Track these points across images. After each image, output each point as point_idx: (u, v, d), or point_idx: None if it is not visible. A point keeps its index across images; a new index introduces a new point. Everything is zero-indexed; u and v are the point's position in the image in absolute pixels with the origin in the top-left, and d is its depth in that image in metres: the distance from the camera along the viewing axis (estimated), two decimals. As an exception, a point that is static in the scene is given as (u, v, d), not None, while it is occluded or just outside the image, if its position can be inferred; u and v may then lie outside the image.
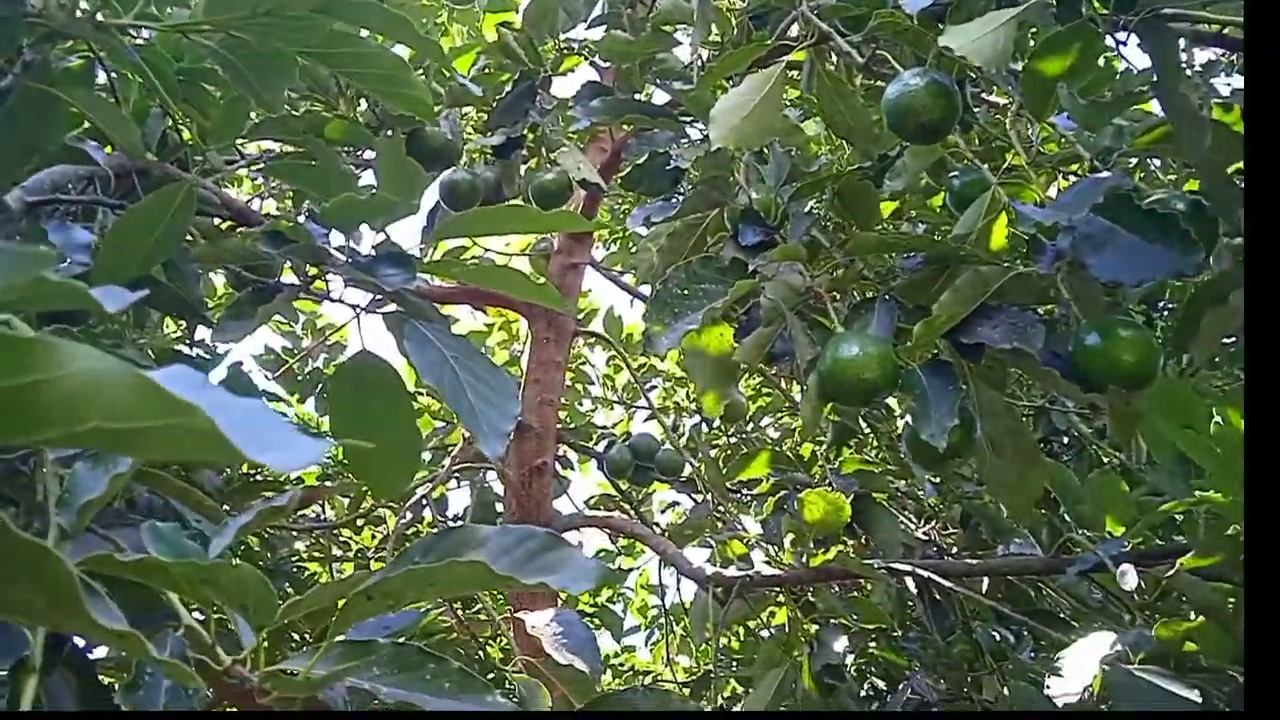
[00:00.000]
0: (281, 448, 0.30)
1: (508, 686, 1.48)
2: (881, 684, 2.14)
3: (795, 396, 2.67)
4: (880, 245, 1.22)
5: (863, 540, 1.89)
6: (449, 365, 1.01)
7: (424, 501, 2.12)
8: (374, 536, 2.76)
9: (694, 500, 2.59)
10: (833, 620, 1.73)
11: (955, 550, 2.06)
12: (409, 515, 2.26)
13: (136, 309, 1.35)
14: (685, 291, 1.18)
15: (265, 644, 0.64)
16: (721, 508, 2.09)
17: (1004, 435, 1.11)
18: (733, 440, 2.64)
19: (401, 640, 0.71)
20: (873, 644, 2.00)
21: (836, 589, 1.87)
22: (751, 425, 2.69)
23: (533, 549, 0.65)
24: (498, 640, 2.35)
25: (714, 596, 1.80)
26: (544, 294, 1.19)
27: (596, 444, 2.58)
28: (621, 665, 3.76)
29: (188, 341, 1.73)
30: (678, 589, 2.35)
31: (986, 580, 1.81)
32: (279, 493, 1.10)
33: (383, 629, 1.22)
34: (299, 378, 2.60)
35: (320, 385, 2.59)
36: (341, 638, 0.68)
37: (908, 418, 1.15)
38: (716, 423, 2.51)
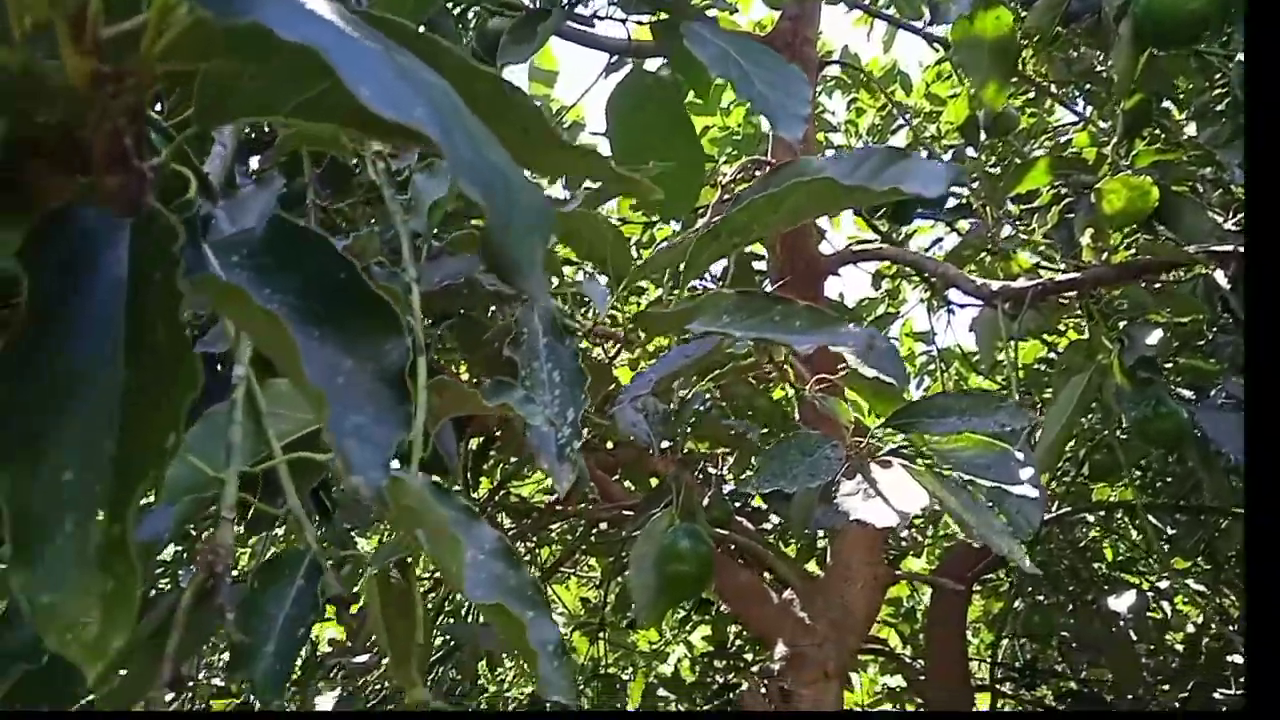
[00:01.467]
0: (384, 86, 0.26)
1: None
2: (1189, 393, 2.02)
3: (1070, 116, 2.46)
4: None
5: (1163, 240, 1.75)
6: (732, 58, 0.97)
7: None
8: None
9: (960, 235, 2.48)
10: (1141, 318, 1.62)
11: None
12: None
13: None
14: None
15: (625, 293, 0.67)
16: (1000, 222, 1.97)
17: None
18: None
19: (748, 291, 0.72)
20: (1177, 356, 1.88)
21: (1144, 285, 1.75)
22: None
23: (876, 164, 0.63)
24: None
25: (1003, 312, 1.74)
26: None
27: (851, 187, 2.49)
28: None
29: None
30: (948, 325, 2.29)
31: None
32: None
33: (682, 358, 1.26)
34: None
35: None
36: (692, 288, 0.70)
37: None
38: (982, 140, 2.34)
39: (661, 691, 3.07)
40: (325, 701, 1.90)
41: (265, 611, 0.55)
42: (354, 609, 0.61)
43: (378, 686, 2.14)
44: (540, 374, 0.68)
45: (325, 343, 0.42)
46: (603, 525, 2.73)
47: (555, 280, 0.74)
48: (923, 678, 2.47)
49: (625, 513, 2.17)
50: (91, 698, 0.56)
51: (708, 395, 1.51)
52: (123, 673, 0.56)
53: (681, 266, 0.68)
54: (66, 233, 0.35)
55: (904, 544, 2.59)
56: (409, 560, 0.66)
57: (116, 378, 0.32)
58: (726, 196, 1.64)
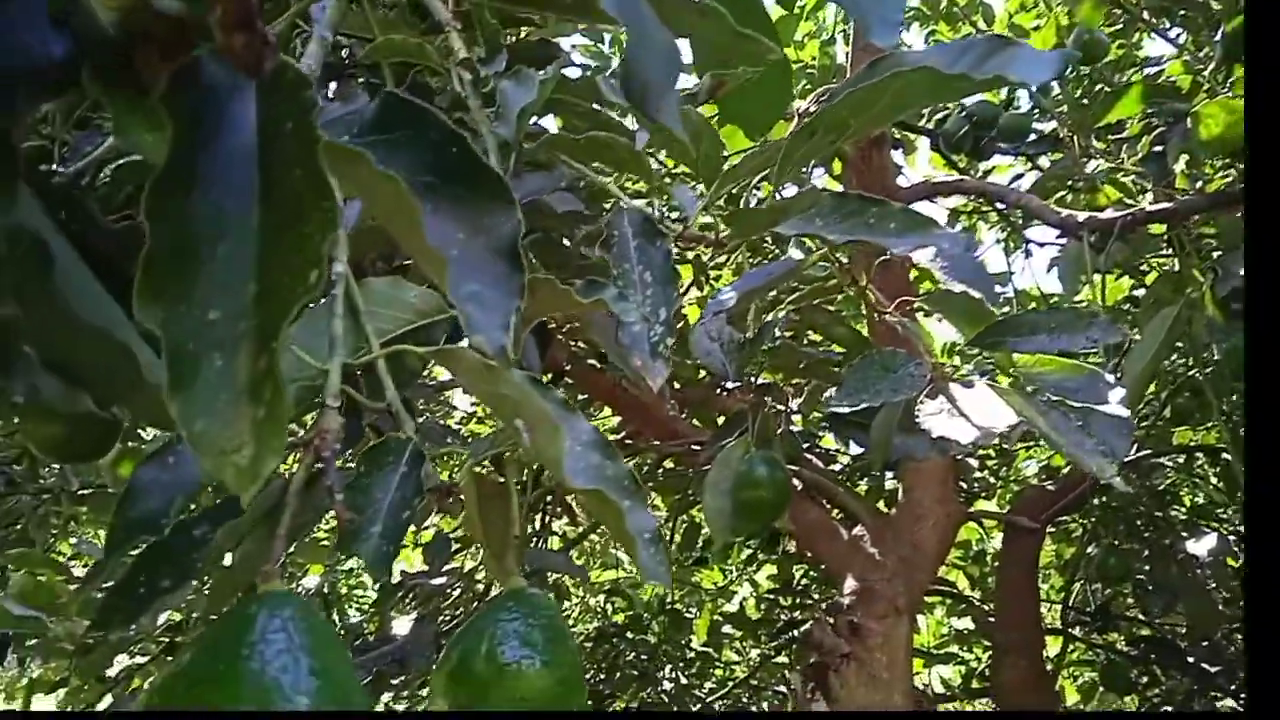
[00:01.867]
0: None
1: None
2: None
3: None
4: None
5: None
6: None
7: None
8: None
9: (1041, 168, 2.42)
10: (1235, 248, 1.57)
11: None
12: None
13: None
14: None
15: (718, 200, 0.67)
16: (1088, 153, 1.91)
17: None
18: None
19: (842, 192, 0.71)
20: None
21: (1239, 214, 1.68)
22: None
23: (980, 52, 0.61)
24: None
25: (1089, 244, 1.69)
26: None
27: (927, 121, 2.44)
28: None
29: None
30: (1024, 268, 2.23)
31: None
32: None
33: (763, 277, 1.24)
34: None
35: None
36: (787, 187, 0.69)
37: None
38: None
39: (727, 628, 3.11)
40: (402, 624, 1.96)
41: (371, 495, 0.57)
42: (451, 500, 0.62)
43: (454, 611, 2.20)
44: (631, 275, 0.68)
45: (439, 214, 0.42)
46: (668, 464, 2.75)
47: (644, 185, 0.73)
48: (991, 620, 2.45)
49: (694, 448, 2.18)
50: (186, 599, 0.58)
51: (785, 320, 1.50)
52: (230, 559, 0.58)
53: (774, 168, 0.67)
54: (196, 89, 0.36)
55: (975, 486, 2.56)
56: (505, 455, 0.67)
57: (251, 223, 0.33)
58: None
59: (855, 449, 2.70)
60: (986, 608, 2.57)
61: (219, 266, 0.32)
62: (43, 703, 2.63)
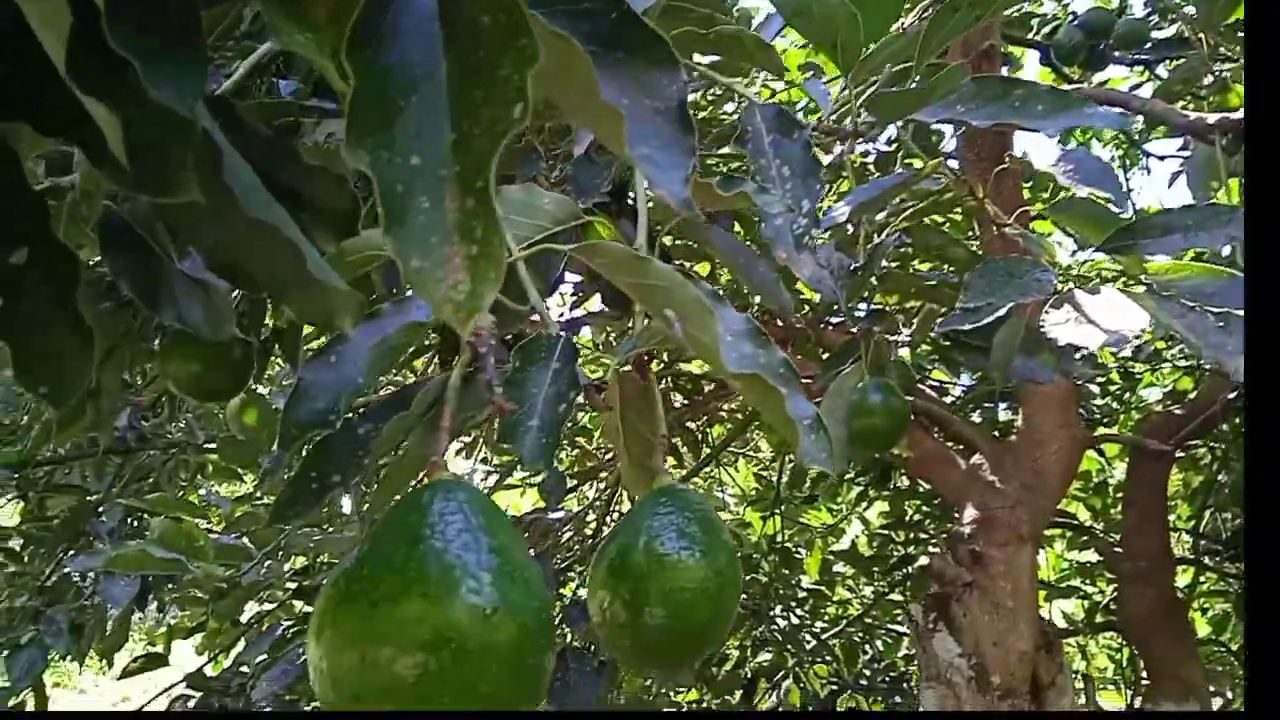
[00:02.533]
0: None
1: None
2: None
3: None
4: None
5: None
6: None
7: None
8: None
9: (1159, 78, 2.29)
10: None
11: None
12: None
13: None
14: None
15: (855, 90, 0.65)
16: (1217, 53, 1.80)
17: None
18: None
19: (985, 75, 0.68)
20: None
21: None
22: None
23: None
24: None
25: (1220, 148, 1.60)
26: None
27: (1035, 34, 2.33)
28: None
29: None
30: (1141, 189, 2.12)
31: None
32: None
33: (876, 189, 1.21)
34: None
35: None
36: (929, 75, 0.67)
37: None
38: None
39: (839, 567, 3.10)
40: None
41: (526, 390, 0.57)
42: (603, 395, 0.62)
43: (571, 548, 2.24)
44: (769, 171, 0.66)
45: (605, 77, 0.41)
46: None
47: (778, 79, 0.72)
48: (1117, 550, 2.38)
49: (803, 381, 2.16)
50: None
51: (897, 241, 1.46)
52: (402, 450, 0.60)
53: (915, 51, 0.64)
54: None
55: (1097, 413, 2.48)
56: (648, 356, 0.67)
57: (439, 75, 0.33)
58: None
59: (966, 381, 2.65)
60: (1111, 538, 2.49)
61: (413, 116, 0.32)
62: (181, 647, 2.78)
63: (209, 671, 2.31)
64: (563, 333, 0.61)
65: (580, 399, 0.62)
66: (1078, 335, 0.99)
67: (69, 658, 2.45)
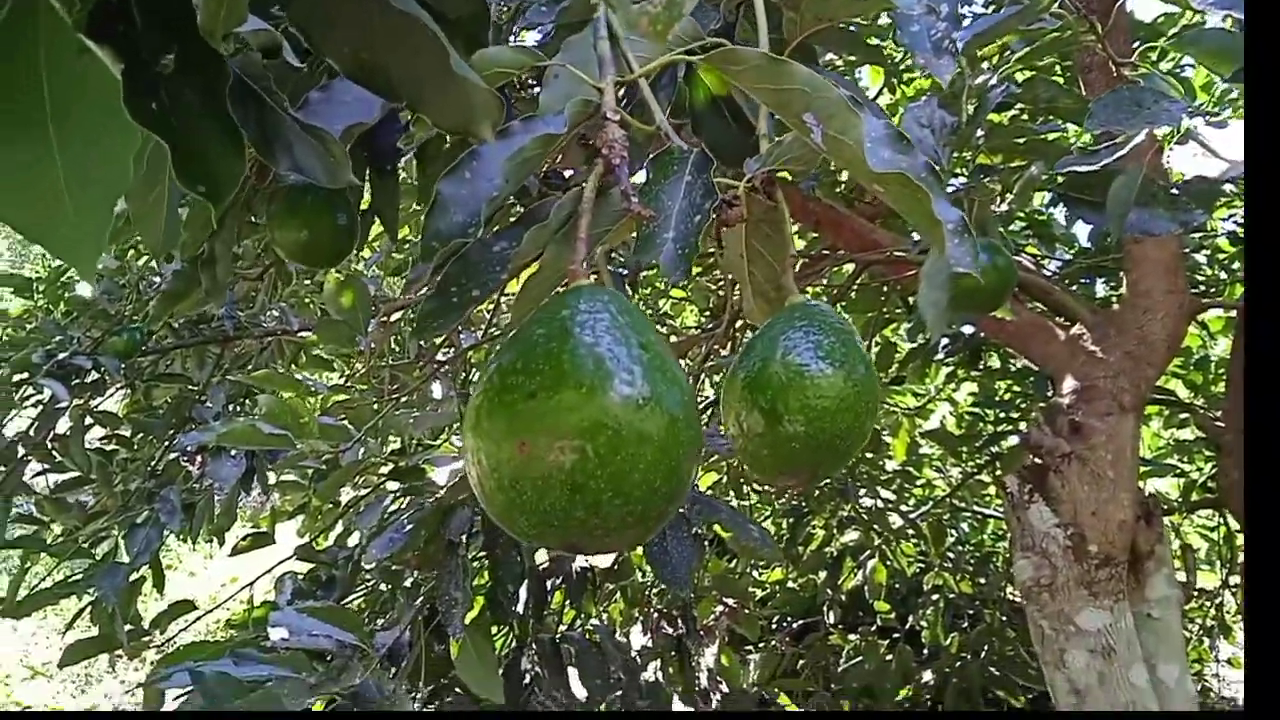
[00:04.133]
0: None
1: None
2: None
3: None
4: None
5: None
6: None
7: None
8: None
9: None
10: None
11: None
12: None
13: None
14: None
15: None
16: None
17: None
18: None
19: None
20: None
21: None
22: None
23: None
24: None
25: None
26: None
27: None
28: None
29: None
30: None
31: None
32: None
33: (993, 21, 1.15)
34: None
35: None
36: None
37: None
38: None
39: (926, 449, 3.08)
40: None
41: (661, 202, 0.57)
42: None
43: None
44: (903, -24, 0.63)
45: None
46: (859, 283, 2.69)
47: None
48: (1220, 425, 2.32)
49: (896, 255, 2.11)
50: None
51: (1003, 93, 1.39)
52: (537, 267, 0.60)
53: None
54: None
55: (1203, 284, 2.38)
56: (774, 176, 0.66)
57: None
58: None
59: (1062, 259, 2.56)
60: (1212, 415, 2.42)
61: None
62: (284, 528, 2.91)
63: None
64: (681, 145, 0.59)
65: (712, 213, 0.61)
66: (1201, 168, 0.95)
67: (182, 537, 2.59)
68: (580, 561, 1.93)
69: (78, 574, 2.21)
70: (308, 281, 3.15)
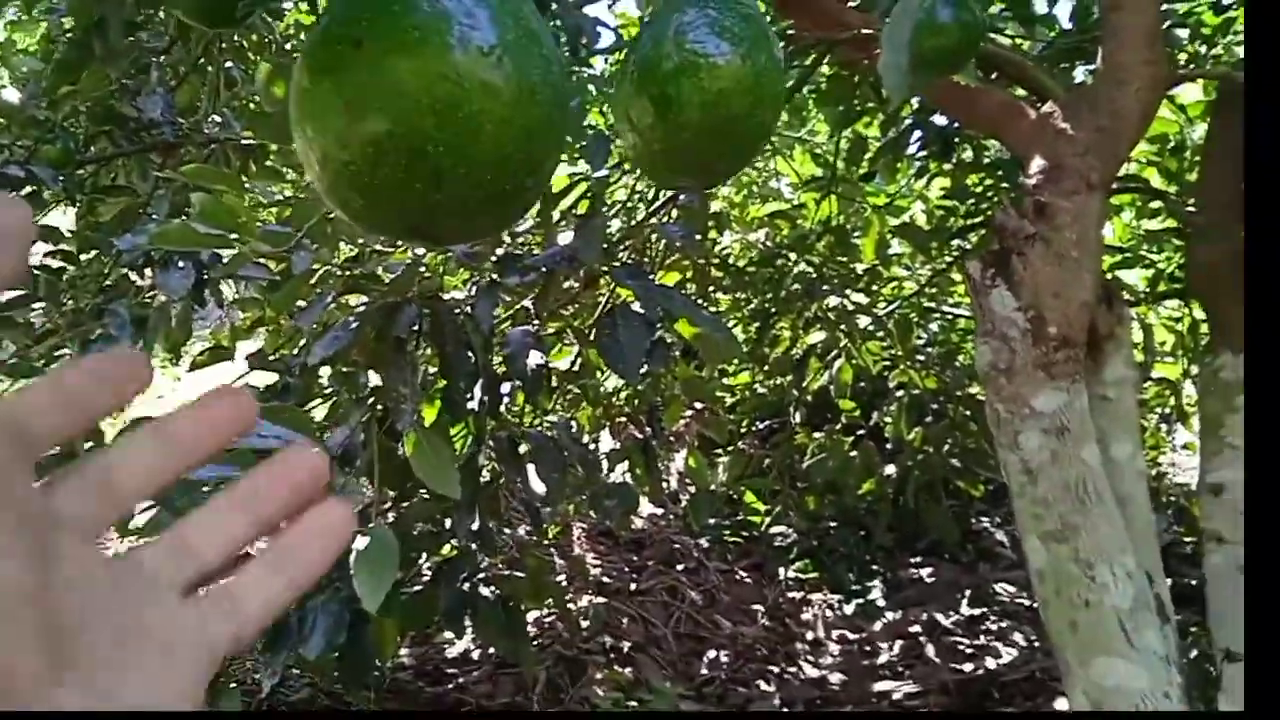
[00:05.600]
0: None
1: None
2: None
3: None
4: None
5: None
6: None
7: None
8: None
9: None
10: None
11: None
12: None
13: None
14: None
15: None
16: None
17: None
18: None
19: None
20: None
21: None
22: None
23: None
24: None
25: None
26: None
27: None
28: None
29: None
30: None
31: None
32: None
33: None
34: None
35: None
36: None
37: None
38: None
39: (896, 247, 3.03)
40: (565, 236, 1.97)
41: None
42: None
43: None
44: None
45: None
46: (828, 70, 2.56)
47: None
48: (1191, 210, 2.27)
49: (864, 34, 1.98)
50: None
51: None
52: None
53: None
54: None
55: (1185, 60, 2.27)
56: None
57: None
58: None
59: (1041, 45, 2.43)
60: (1185, 204, 2.36)
61: None
62: (246, 345, 2.86)
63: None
64: None
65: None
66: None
67: (137, 347, 2.54)
68: (535, 358, 1.89)
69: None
70: (252, 86, 2.99)
